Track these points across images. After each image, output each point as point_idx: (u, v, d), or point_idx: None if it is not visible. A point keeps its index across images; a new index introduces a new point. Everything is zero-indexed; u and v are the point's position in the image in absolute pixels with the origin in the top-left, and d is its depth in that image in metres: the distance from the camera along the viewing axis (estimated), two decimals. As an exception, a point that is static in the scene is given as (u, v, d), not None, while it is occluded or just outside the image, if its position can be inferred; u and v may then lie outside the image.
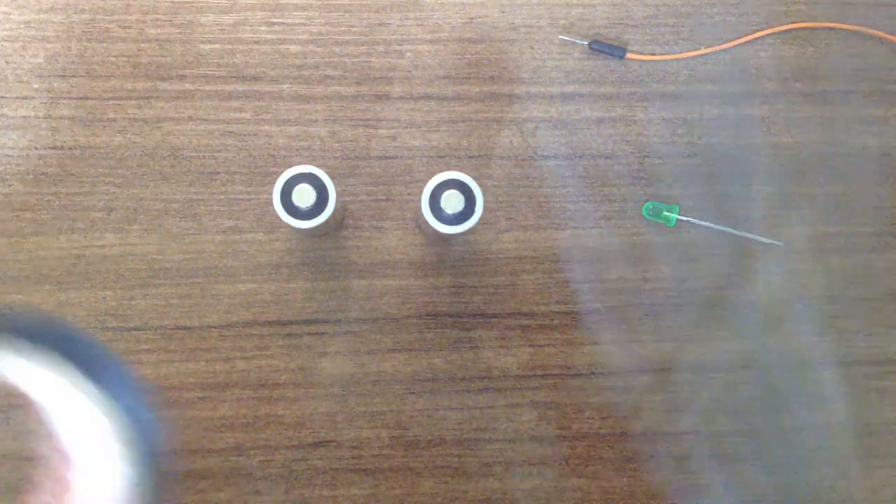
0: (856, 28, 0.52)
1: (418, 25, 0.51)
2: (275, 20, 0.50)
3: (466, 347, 0.50)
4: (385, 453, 0.49)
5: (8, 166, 0.49)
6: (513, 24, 0.51)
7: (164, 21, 0.50)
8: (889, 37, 0.52)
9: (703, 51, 0.51)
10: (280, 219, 0.42)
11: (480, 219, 0.43)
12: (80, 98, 0.49)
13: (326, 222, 0.42)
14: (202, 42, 0.50)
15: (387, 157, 0.50)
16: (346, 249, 0.50)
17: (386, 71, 0.50)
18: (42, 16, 0.49)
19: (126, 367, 0.26)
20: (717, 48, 0.51)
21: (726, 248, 0.51)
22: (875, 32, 0.52)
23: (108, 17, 0.50)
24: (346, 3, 0.50)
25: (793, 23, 0.52)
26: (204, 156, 0.49)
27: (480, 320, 0.50)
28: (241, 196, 0.49)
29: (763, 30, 0.52)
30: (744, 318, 0.51)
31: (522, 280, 0.50)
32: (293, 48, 0.50)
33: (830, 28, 0.52)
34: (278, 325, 0.49)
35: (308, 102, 0.50)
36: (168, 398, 0.49)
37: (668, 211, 0.50)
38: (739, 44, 0.52)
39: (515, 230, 0.50)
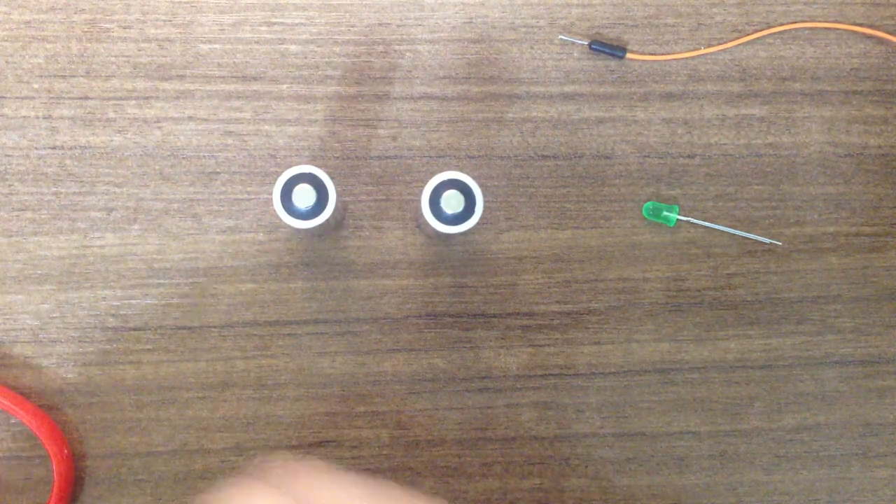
0: (856, 28, 0.52)
1: (418, 25, 0.51)
2: (275, 20, 0.50)
3: (466, 347, 0.50)
4: (385, 453, 0.49)
5: (8, 166, 0.49)
6: (513, 24, 0.51)
7: (164, 21, 0.50)
8: (889, 37, 0.52)
9: (703, 51, 0.51)
10: (280, 219, 0.42)
11: (480, 219, 0.43)
12: (80, 98, 0.49)
13: (326, 222, 0.42)
14: (202, 42, 0.50)
15: (387, 157, 0.50)
16: (346, 249, 0.50)
17: (386, 71, 0.50)
18: (42, 16, 0.49)
19: None
20: (717, 48, 0.51)
21: (726, 248, 0.51)
22: (875, 32, 0.52)
23: (108, 17, 0.50)
24: (346, 3, 0.50)
25: (793, 23, 0.52)
26: (204, 156, 0.49)
27: (480, 320, 0.50)
28: (241, 196, 0.49)
29: (763, 30, 0.52)
30: (744, 318, 0.51)
31: (522, 280, 0.50)
32: (293, 48, 0.50)
33: (830, 28, 0.52)
34: (278, 325, 0.49)
35: (308, 102, 0.50)
36: (168, 398, 0.49)
37: (668, 211, 0.50)
38: (739, 44, 0.52)
39: (515, 230, 0.50)
